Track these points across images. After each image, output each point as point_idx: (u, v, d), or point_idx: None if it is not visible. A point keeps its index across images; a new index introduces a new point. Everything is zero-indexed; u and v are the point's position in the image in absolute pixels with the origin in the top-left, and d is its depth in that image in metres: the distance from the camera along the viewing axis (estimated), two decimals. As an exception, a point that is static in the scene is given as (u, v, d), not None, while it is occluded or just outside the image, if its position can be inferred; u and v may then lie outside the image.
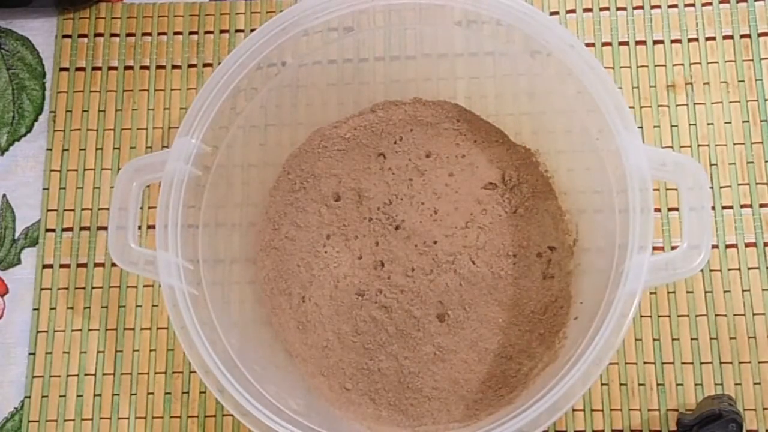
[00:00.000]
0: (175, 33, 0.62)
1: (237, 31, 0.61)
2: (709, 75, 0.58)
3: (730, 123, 0.57)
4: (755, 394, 0.53)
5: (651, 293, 0.54)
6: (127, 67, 0.61)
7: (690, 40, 0.59)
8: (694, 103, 0.58)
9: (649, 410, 0.53)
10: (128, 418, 0.54)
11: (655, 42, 0.59)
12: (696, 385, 0.53)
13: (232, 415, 0.44)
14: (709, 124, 0.58)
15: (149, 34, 0.61)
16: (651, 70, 0.59)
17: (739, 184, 0.56)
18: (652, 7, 0.60)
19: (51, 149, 0.59)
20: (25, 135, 0.60)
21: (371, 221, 0.55)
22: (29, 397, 0.55)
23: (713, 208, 0.56)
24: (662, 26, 0.60)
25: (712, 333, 0.54)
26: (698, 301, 0.54)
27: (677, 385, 0.53)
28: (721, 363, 0.53)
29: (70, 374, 0.55)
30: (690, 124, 0.58)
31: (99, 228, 0.58)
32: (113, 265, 0.56)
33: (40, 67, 0.61)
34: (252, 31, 0.52)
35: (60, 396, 0.55)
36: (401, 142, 0.56)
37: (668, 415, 0.52)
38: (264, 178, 0.56)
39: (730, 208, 0.56)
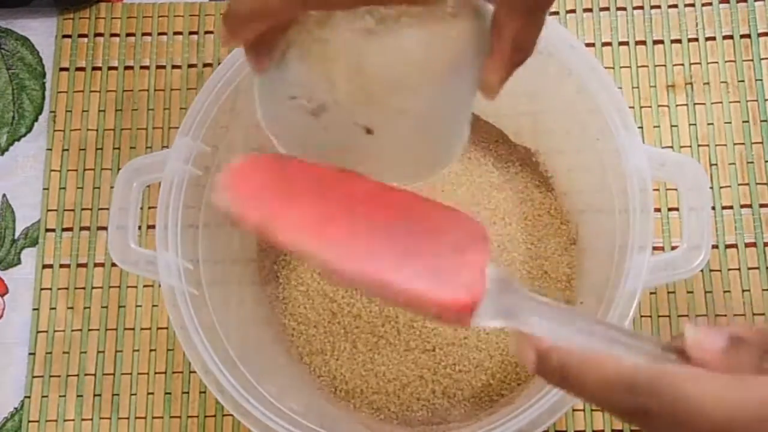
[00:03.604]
0: (175, 33, 0.62)
1: (237, 31, 0.61)
2: (709, 75, 0.58)
3: (730, 123, 0.57)
4: (755, 394, 0.52)
5: (651, 293, 0.54)
6: (127, 67, 0.61)
7: (690, 40, 0.59)
8: (694, 103, 0.58)
9: (649, 410, 0.53)
10: (128, 418, 0.54)
11: (655, 42, 0.59)
12: (696, 385, 0.53)
13: (232, 415, 0.44)
14: (709, 124, 0.58)
15: (149, 34, 0.61)
16: (651, 70, 0.59)
17: (739, 184, 0.56)
18: (652, 7, 0.60)
19: (51, 149, 0.59)
20: (25, 135, 0.60)
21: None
22: (29, 397, 0.55)
23: (713, 208, 0.56)
24: (662, 26, 0.60)
25: (712, 333, 0.54)
26: (698, 301, 0.54)
27: None
28: (721, 363, 0.53)
29: (70, 374, 0.55)
30: (690, 124, 0.58)
31: (99, 228, 0.58)
32: (113, 265, 0.56)
33: (40, 67, 0.61)
34: (252, 31, 0.51)
35: (60, 396, 0.55)
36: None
37: (668, 415, 0.52)
38: (264, 178, 0.56)
39: (730, 208, 0.56)
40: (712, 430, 0.26)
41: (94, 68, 0.61)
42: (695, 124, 0.58)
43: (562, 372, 0.29)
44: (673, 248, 0.50)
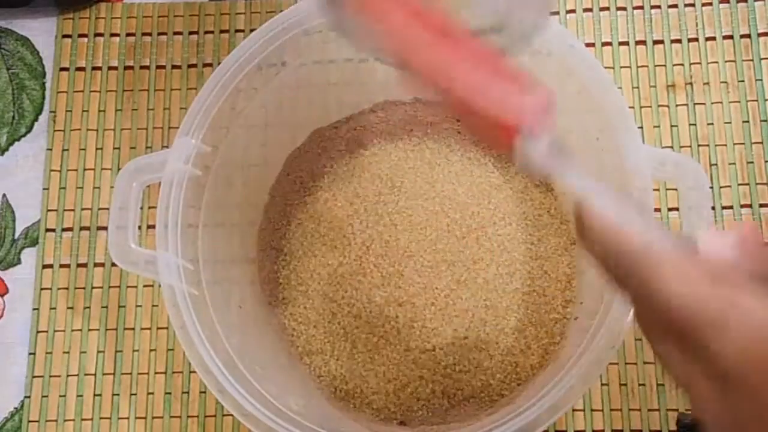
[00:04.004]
0: (175, 33, 0.62)
1: (237, 31, 0.61)
2: (709, 75, 0.58)
3: (730, 123, 0.57)
4: (755, 394, 0.52)
5: (651, 293, 0.54)
6: (127, 67, 0.61)
7: (690, 40, 0.59)
8: (694, 103, 0.58)
9: (649, 410, 0.53)
10: (128, 418, 0.54)
11: (655, 42, 0.59)
12: (696, 385, 0.53)
13: (232, 415, 0.44)
14: (709, 124, 0.58)
15: (149, 34, 0.61)
16: (651, 70, 0.59)
17: (739, 184, 0.56)
18: (652, 7, 0.60)
19: (51, 149, 0.59)
20: (25, 135, 0.60)
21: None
22: (29, 397, 0.55)
23: (713, 208, 0.56)
24: (662, 26, 0.60)
25: (712, 333, 0.54)
26: (698, 301, 0.54)
27: (677, 385, 0.53)
28: (721, 363, 0.53)
29: (70, 374, 0.55)
30: (690, 124, 0.58)
31: (99, 228, 0.58)
32: (113, 265, 0.56)
33: (40, 67, 0.61)
34: (252, 31, 0.52)
35: (60, 396, 0.55)
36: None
37: (668, 415, 0.52)
38: (264, 178, 0.56)
39: (730, 208, 0.56)
40: (665, 312, 0.28)
41: (94, 68, 0.61)
42: (695, 124, 0.58)
43: (578, 221, 0.31)
44: (673, 248, 0.49)
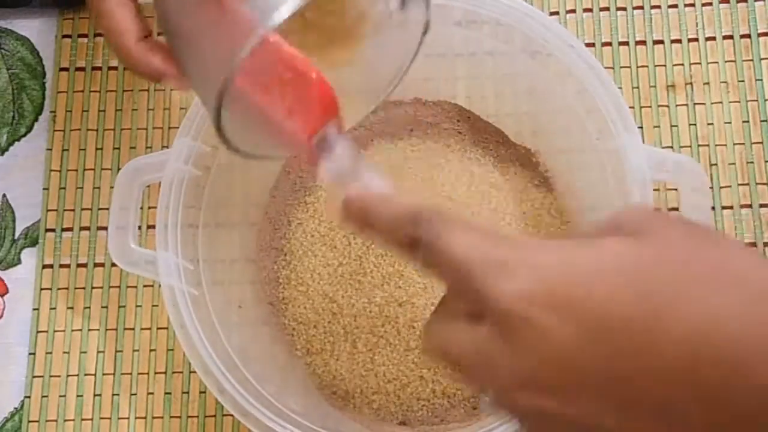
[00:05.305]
0: (175, 33, 0.61)
1: (237, 31, 0.61)
2: (709, 75, 0.58)
3: (730, 123, 0.57)
4: (755, 394, 0.52)
5: (651, 293, 0.54)
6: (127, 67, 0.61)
7: (690, 40, 0.59)
8: (694, 103, 0.58)
9: (649, 410, 0.53)
10: (128, 418, 0.54)
11: (655, 42, 0.59)
12: (696, 385, 0.53)
13: (232, 415, 0.44)
14: (709, 124, 0.58)
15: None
16: (651, 70, 0.59)
17: (739, 184, 0.56)
18: (652, 7, 0.60)
19: (51, 149, 0.59)
20: (25, 135, 0.60)
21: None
22: (29, 397, 0.55)
23: (713, 208, 0.56)
24: (662, 26, 0.60)
25: (712, 333, 0.54)
26: (698, 301, 0.54)
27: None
28: (721, 363, 0.53)
29: (70, 374, 0.55)
30: (690, 124, 0.58)
31: (99, 228, 0.58)
32: (113, 265, 0.56)
33: (40, 67, 0.61)
34: (252, 31, 0.51)
35: (60, 396, 0.55)
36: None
37: (668, 415, 0.52)
38: (264, 178, 0.56)
39: (730, 208, 0.56)
40: (450, 264, 0.29)
41: (94, 68, 0.61)
42: (695, 124, 0.58)
43: (361, 211, 0.33)
44: (673, 248, 0.49)
